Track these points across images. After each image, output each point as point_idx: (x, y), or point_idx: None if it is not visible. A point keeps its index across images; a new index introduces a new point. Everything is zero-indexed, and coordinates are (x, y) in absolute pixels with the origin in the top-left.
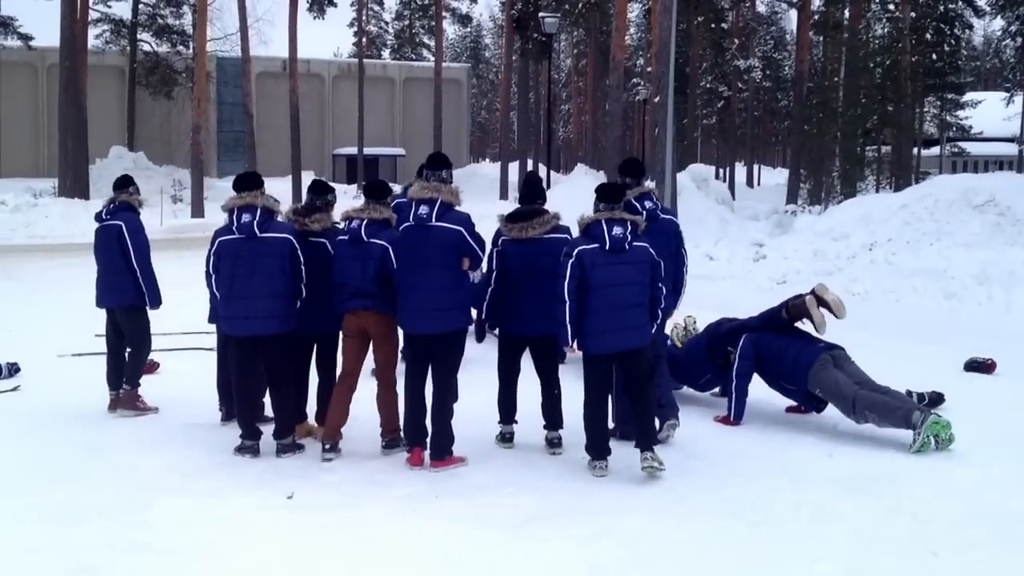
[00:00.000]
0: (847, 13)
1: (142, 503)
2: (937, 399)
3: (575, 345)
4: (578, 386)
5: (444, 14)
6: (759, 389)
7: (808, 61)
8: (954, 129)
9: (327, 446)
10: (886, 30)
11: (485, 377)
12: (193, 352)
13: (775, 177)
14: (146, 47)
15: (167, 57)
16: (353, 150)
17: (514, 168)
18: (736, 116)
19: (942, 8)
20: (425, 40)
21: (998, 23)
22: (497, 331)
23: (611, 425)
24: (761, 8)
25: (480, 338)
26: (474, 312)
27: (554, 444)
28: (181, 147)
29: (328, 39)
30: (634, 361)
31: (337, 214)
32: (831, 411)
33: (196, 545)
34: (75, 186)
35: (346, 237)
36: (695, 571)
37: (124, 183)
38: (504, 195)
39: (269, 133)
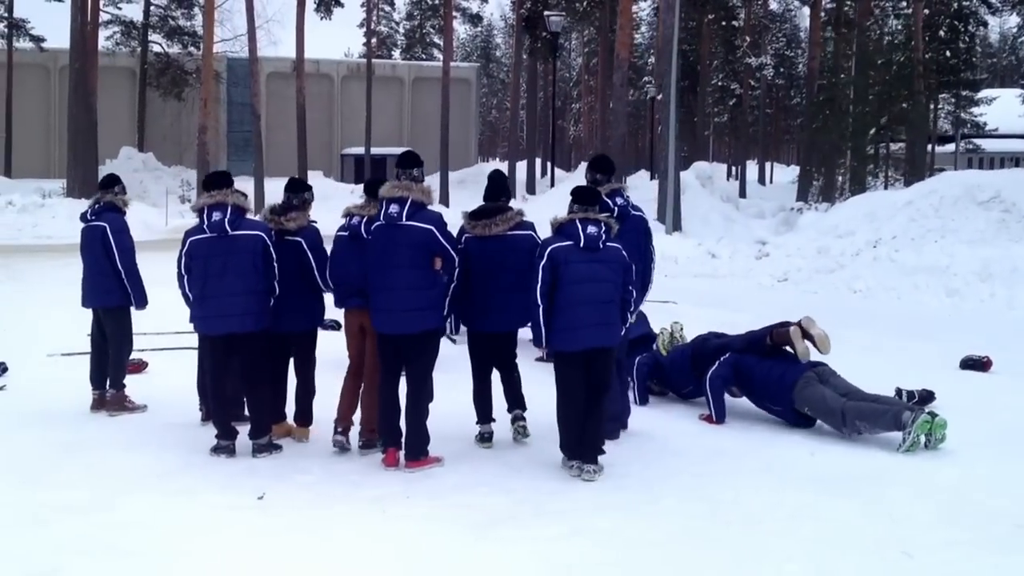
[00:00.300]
0: (856, 9)
1: (112, 503)
2: (927, 397)
3: (545, 347)
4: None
5: (454, 14)
6: None
7: (819, 58)
8: (968, 126)
9: (339, 429)
10: (899, 26)
11: (465, 376)
12: (184, 351)
13: (788, 175)
14: (157, 48)
15: (178, 58)
16: (361, 150)
17: (522, 167)
18: (748, 114)
19: (956, 5)
20: (435, 40)
21: (1014, 20)
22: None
23: None
24: (774, 5)
25: (452, 332)
26: None
27: (519, 421)
28: (191, 148)
29: (339, 40)
30: (600, 360)
31: (315, 213)
32: None
33: (161, 546)
34: (84, 187)
35: (346, 234)
36: (663, 571)
37: (109, 183)
38: (512, 194)
39: (279, 134)
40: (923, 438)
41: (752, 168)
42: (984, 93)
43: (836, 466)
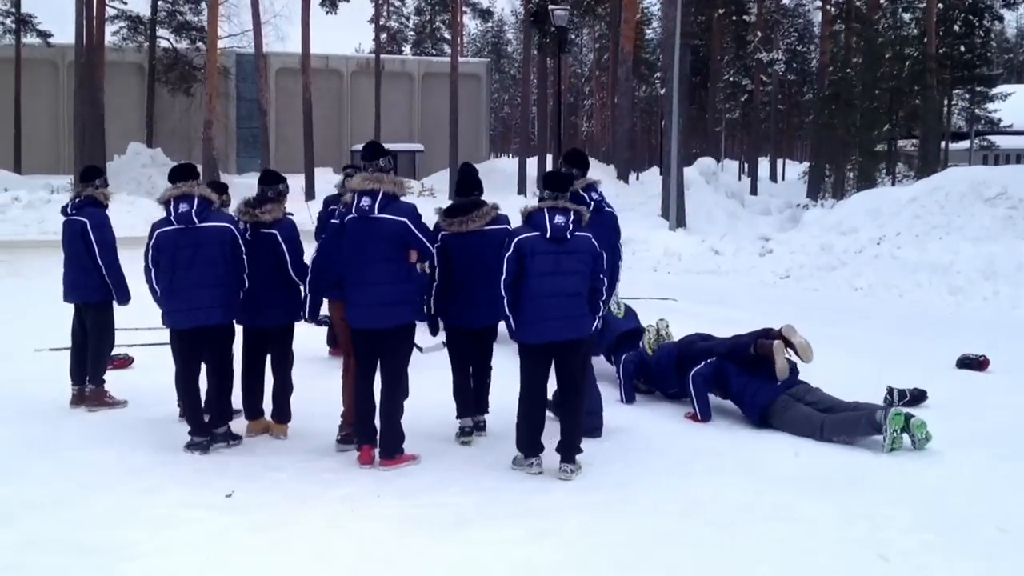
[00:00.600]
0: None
1: (77, 500)
2: (919, 396)
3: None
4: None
5: (464, 9)
6: None
7: (830, 52)
8: (983, 122)
9: (342, 435)
10: (910, 19)
11: (445, 372)
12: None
13: (800, 171)
14: (165, 44)
15: (186, 54)
16: None
17: (532, 163)
18: (760, 110)
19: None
20: (445, 35)
21: None
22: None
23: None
24: (786, 0)
25: (434, 331)
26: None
27: (479, 427)
28: (200, 143)
29: (349, 35)
30: (569, 353)
31: (290, 206)
32: None
33: (121, 545)
34: None
35: (338, 222)
36: (629, 573)
37: (90, 176)
38: (522, 190)
39: (289, 129)
40: (907, 438)
41: (764, 165)
42: (999, 89)
43: (819, 466)
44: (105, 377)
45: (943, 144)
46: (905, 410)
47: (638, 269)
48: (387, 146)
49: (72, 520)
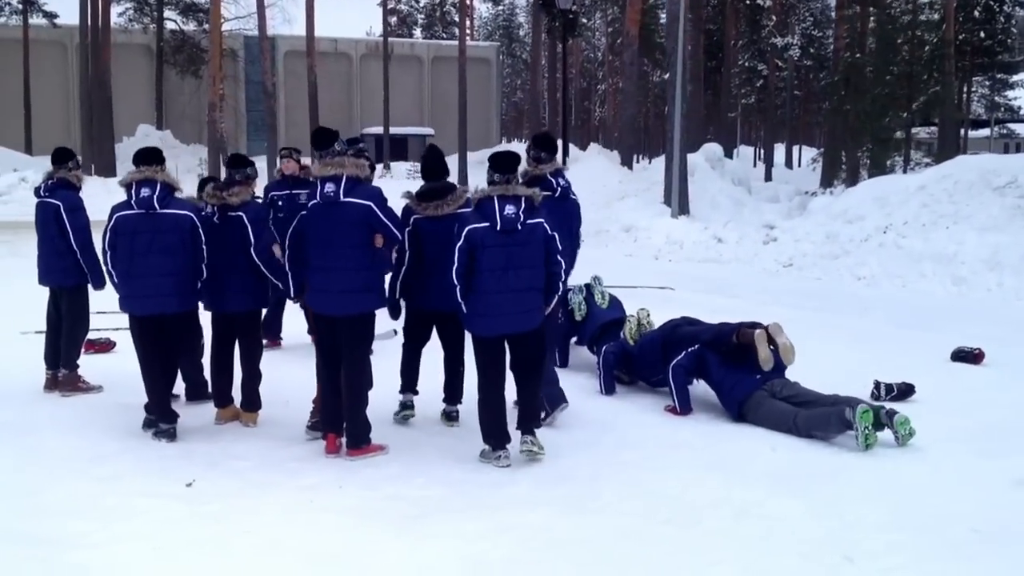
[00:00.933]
0: None
1: (36, 488)
2: (906, 390)
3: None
4: None
5: None
6: None
7: (845, 37)
8: (1003, 110)
9: (313, 421)
10: (931, 2)
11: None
12: None
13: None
14: (172, 25)
15: (193, 35)
16: (380, 129)
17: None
18: (776, 95)
19: None
20: (455, 18)
21: None
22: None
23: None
24: None
25: (395, 315)
26: None
27: (451, 417)
28: (215, 125)
29: (359, 19)
30: (522, 343)
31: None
32: None
33: (71, 535)
34: (100, 164)
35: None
36: (583, 572)
37: (63, 158)
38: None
39: (298, 112)
40: (890, 433)
41: (781, 151)
42: (1020, 76)
43: (795, 463)
44: (80, 362)
45: (962, 132)
46: (877, 405)
47: (639, 257)
48: (398, 130)
49: (27, 508)
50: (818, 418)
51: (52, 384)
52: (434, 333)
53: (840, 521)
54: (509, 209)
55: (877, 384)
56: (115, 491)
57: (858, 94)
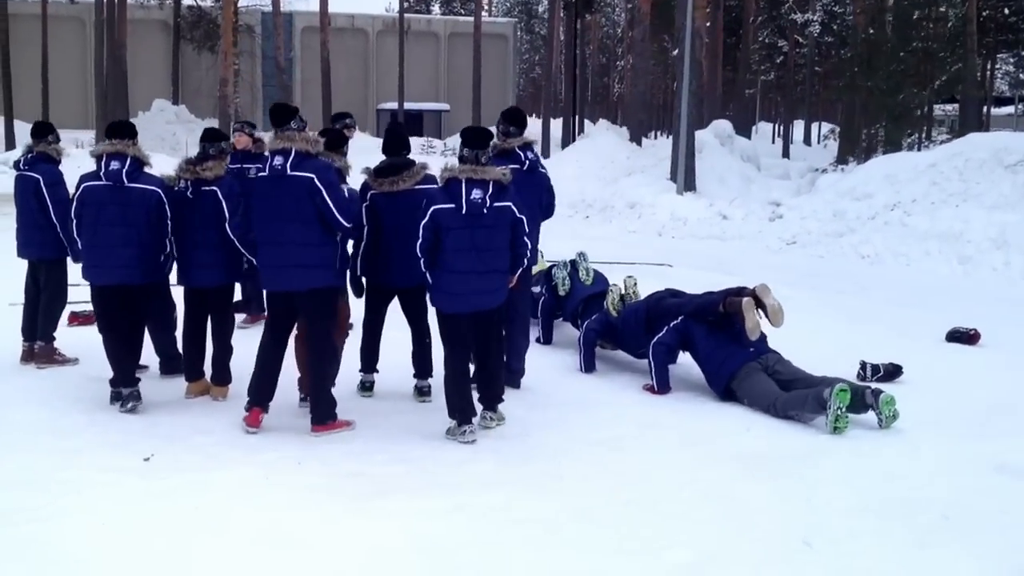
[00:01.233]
0: None
1: None
2: (893, 371)
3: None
4: None
5: None
6: None
7: (860, 13)
8: None
9: (303, 396)
10: None
11: (391, 335)
12: None
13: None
14: (189, 1)
15: (210, 11)
16: (396, 105)
17: (557, 125)
18: (796, 72)
19: None
20: None
21: None
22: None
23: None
24: None
25: (358, 294)
26: None
27: (423, 392)
28: (227, 101)
29: None
30: (484, 321)
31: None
32: None
33: (19, 508)
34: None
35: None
36: (533, 553)
37: (42, 131)
38: (545, 151)
39: (314, 88)
40: (878, 417)
41: (800, 128)
42: None
43: (768, 445)
44: (58, 335)
45: (985, 110)
46: (863, 385)
47: (643, 233)
48: (413, 106)
49: None
50: (796, 399)
51: (28, 356)
52: (399, 311)
53: (806, 505)
54: (476, 193)
55: (863, 364)
56: (73, 464)
57: (872, 71)
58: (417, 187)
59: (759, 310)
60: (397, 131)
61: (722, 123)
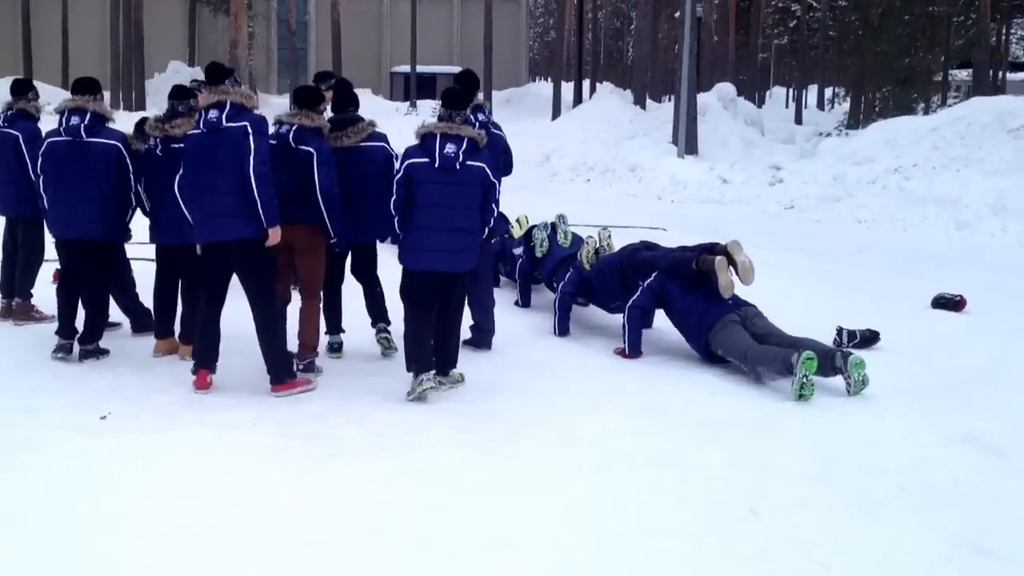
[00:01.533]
0: None
1: None
2: (871, 337)
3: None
4: None
5: None
6: None
7: None
8: None
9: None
10: None
11: (353, 293)
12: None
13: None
14: None
15: None
16: (409, 68)
17: (568, 88)
18: (810, 36)
19: None
20: None
21: None
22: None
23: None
24: None
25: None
26: None
27: (387, 344)
28: (238, 63)
29: None
30: (447, 285)
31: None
32: None
33: None
34: (131, 99)
35: (275, 142)
36: (473, 519)
37: (22, 89)
38: (557, 114)
39: (328, 51)
40: (847, 382)
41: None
42: None
43: (731, 410)
44: (34, 292)
45: (1000, 75)
46: (833, 349)
47: (642, 197)
48: (426, 69)
49: None
50: (766, 355)
51: (6, 313)
52: None
53: (759, 472)
54: (450, 148)
55: (839, 330)
56: (31, 422)
57: (877, 34)
58: (364, 144)
59: (730, 268)
60: (343, 88)
61: (725, 86)
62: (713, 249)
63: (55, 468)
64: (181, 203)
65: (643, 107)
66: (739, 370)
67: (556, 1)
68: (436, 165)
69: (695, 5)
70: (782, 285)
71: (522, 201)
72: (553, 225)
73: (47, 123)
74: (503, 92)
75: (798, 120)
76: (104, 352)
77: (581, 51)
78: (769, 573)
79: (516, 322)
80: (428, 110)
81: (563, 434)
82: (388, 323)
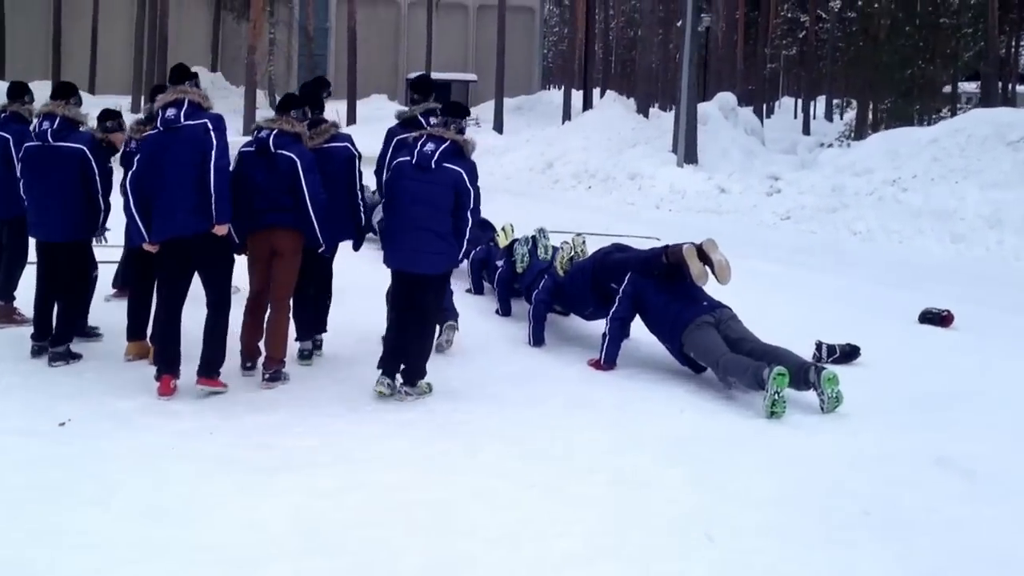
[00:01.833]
0: None
1: None
2: (850, 352)
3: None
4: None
5: None
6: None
7: None
8: None
9: (248, 364)
10: None
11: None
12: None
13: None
14: None
15: None
16: None
17: (578, 96)
18: (819, 47)
19: None
20: None
21: None
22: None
23: None
24: None
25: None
26: None
27: (317, 347)
28: (260, 69)
29: None
30: (417, 287)
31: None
32: None
33: None
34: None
35: (252, 148)
36: (413, 538)
37: (18, 92)
38: (567, 121)
39: (346, 57)
40: (822, 399)
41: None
42: None
43: (699, 427)
44: (16, 295)
45: (1009, 87)
46: (807, 363)
47: (640, 206)
48: (441, 76)
49: None
50: (738, 365)
51: None
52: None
53: (720, 494)
54: (429, 147)
55: (818, 345)
56: None
57: (878, 46)
58: (326, 145)
59: (706, 267)
60: (309, 91)
61: (726, 95)
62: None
63: (3, 476)
64: (130, 202)
65: (646, 115)
66: (712, 383)
67: (569, 10)
68: (413, 162)
69: (697, 15)
70: (767, 296)
71: (522, 207)
72: (534, 239)
73: None
74: (514, 100)
75: (806, 131)
76: (76, 356)
77: (587, 59)
78: None
79: (496, 331)
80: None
81: (524, 449)
82: (324, 331)
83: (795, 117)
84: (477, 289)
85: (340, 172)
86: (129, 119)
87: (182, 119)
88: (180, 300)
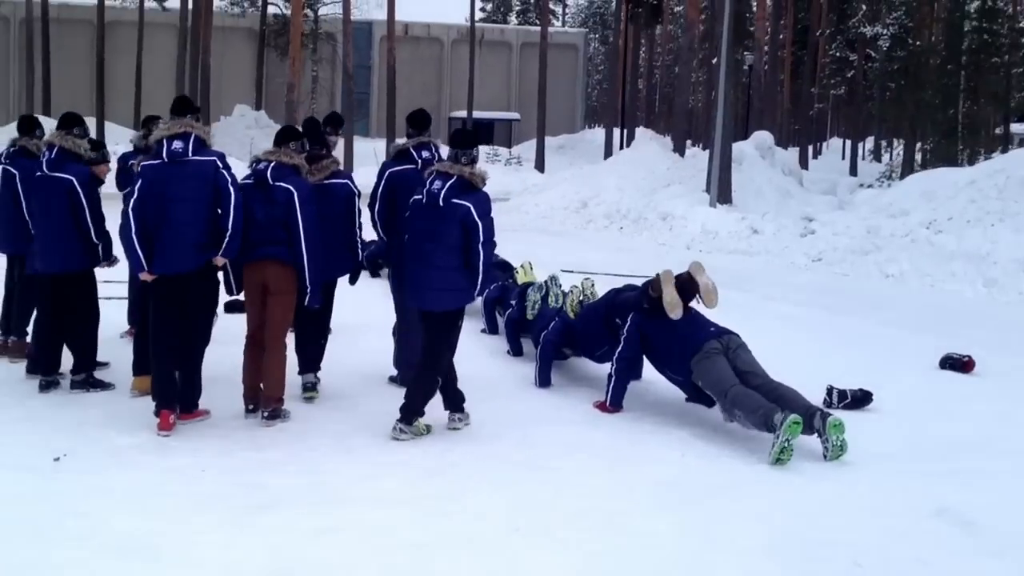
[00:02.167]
0: None
1: None
2: (862, 398)
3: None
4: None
5: None
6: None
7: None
8: None
9: (250, 407)
10: None
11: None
12: (117, 301)
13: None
14: (274, 9)
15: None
16: (466, 113)
17: (620, 135)
18: (868, 87)
19: None
20: (551, 6)
21: None
22: None
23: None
24: None
25: (229, 291)
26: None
27: (307, 388)
28: (302, 107)
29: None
30: (426, 322)
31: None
32: None
33: None
34: None
35: (251, 181)
36: None
37: (30, 127)
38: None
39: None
40: (826, 447)
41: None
42: None
43: (697, 472)
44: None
45: None
46: (816, 408)
47: (672, 246)
48: (484, 115)
49: None
50: (748, 402)
51: (2, 350)
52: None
53: (706, 543)
54: (436, 184)
55: (830, 390)
56: None
57: (919, 85)
58: (327, 181)
59: (698, 296)
60: (313, 128)
61: (763, 134)
62: (678, 277)
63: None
64: (131, 230)
65: (682, 154)
66: (717, 425)
67: (612, 47)
68: (424, 201)
69: (732, 54)
70: (787, 338)
71: (554, 247)
72: (546, 284)
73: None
74: (556, 138)
75: (852, 171)
76: (100, 385)
77: (623, 98)
78: None
79: (505, 370)
80: (483, 156)
81: (513, 492)
82: (317, 370)
83: (843, 158)
84: (491, 329)
85: (340, 209)
86: None
87: (190, 153)
88: (172, 333)
